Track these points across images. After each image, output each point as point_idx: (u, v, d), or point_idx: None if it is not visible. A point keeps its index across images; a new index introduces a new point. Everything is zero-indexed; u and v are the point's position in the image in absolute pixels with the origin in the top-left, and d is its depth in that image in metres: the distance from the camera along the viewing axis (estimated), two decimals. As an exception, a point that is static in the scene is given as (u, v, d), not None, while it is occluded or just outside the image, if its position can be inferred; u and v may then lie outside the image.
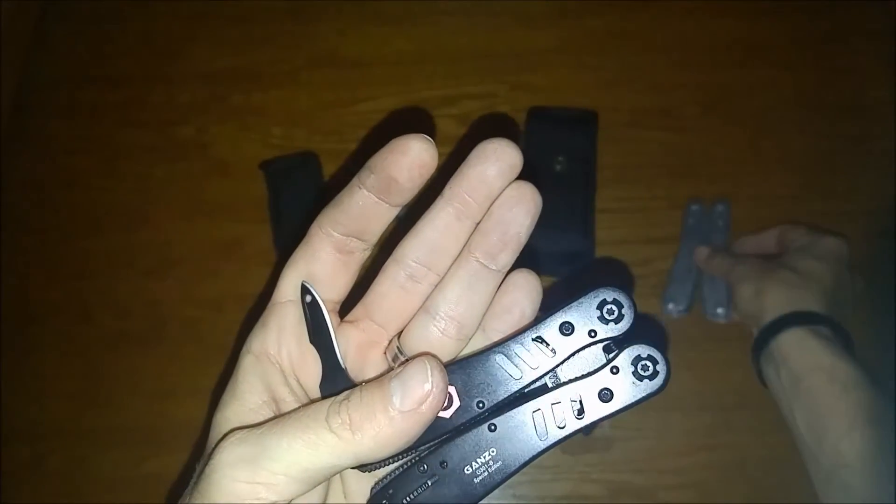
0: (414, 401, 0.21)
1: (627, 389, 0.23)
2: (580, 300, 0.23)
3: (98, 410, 0.59)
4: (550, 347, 0.23)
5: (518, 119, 0.63)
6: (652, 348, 0.23)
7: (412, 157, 0.23)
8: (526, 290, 0.26)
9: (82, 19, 0.71)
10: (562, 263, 0.59)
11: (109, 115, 0.67)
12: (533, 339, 0.23)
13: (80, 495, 0.57)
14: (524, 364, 0.23)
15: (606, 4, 0.67)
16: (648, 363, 0.23)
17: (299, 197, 0.61)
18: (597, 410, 0.23)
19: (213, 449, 0.22)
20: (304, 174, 0.62)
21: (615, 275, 0.58)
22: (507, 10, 0.68)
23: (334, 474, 0.22)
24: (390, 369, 0.26)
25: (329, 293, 0.26)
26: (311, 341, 0.25)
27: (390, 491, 0.23)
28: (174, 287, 0.61)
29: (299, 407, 0.23)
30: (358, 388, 0.22)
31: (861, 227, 0.59)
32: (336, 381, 0.24)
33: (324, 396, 0.24)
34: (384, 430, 0.21)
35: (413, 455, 0.23)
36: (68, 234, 0.63)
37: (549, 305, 0.24)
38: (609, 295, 0.23)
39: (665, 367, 0.23)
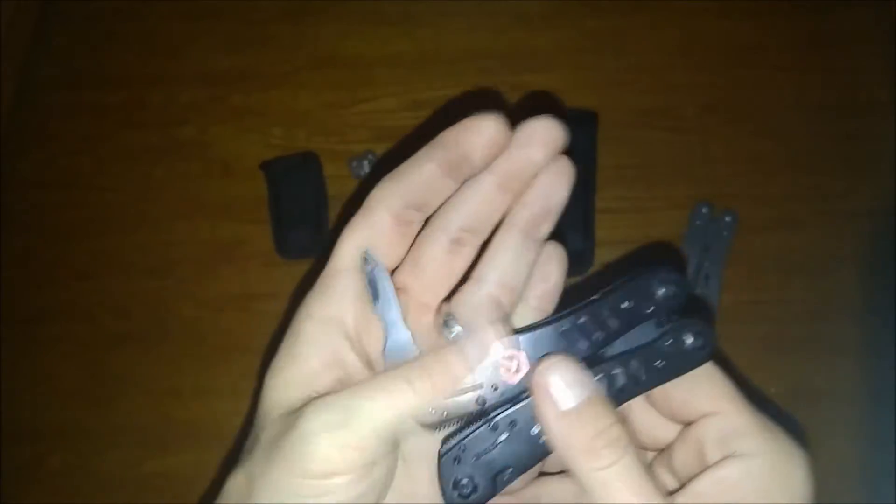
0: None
1: (679, 360, 0.25)
2: (638, 278, 0.25)
3: (99, 410, 0.59)
4: (610, 320, 0.25)
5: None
6: (701, 323, 0.25)
7: (487, 137, 0.24)
8: (557, 260, 0.28)
9: (82, 20, 0.71)
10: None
11: (110, 115, 0.67)
12: (595, 312, 0.25)
13: (82, 495, 0.57)
14: (586, 335, 0.25)
15: (606, 5, 0.67)
16: (700, 337, 0.25)
17: (300, 197, 0.61)
18: (651, 379, 0.25)
19: (297, 417, 0.22)
20: (304, 174, 0.62)
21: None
22: (507, 11, 0.68)
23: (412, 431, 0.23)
24: (441, 334, 0.27)
25: (385, 262, 0.26)
26: (375, 309, 0.26)
27: (462, 448, 0.24)
28: (175, 287, 0.61)
29: (375, 375, 0.24)
30: (433, 353, 0.24)
31: (861, 227, 0.59)
32: (401, 347, 0.25)
33: (388, 362, 0.25)
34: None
35: (483, 416, 0.25)
36: (69, 235, 0.64)
37: (602, 288, 0.26)
38: (665, 275, 0.25)
39: (712, 344, 0.25)
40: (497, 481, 0.24)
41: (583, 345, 0.25)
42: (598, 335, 0.25)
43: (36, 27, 0.71)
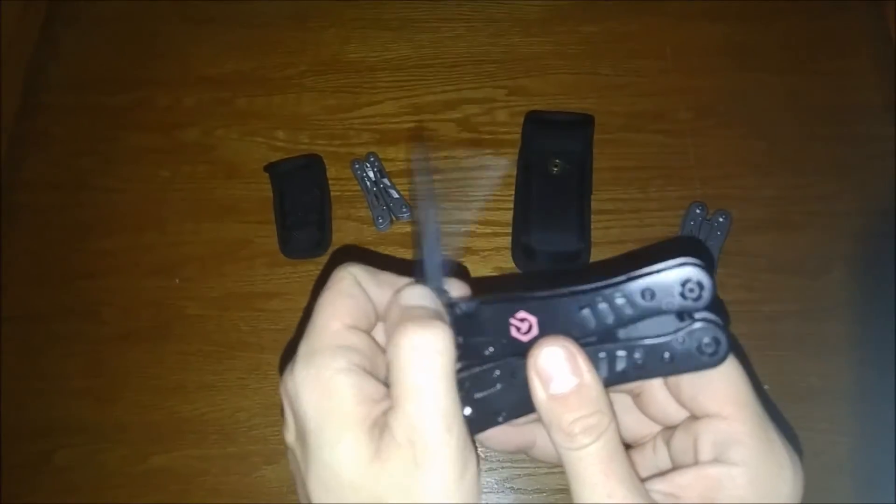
0: None
1: (687, 359, 0.25)
2: (667, 272, 0.25)
3: (105, 407, 0.60)
4: (629, 306, 0.25)
5: (516, 123, 0.64)
6: (720, 331, 0.25)
7: None
8: None
9: (88, 22, 0.72)
10: (558, 264, 0.60)
11: (115, 117, 0.68)
12: (615, 295, 0.25)
13: (88, 491, 0.58)
14: (601, 315, 0.25)
15: (602, 11, 0.68)
16: (713, 343, 0.25)
17: (304, 198, 0.62)
18: (655, 369, 0.25)
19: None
20: (308, 176, 0.63)
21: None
22: (506, 17, 0.69)
23: None
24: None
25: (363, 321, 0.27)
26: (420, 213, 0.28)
27: (466, 384, 0.26)
28: (180, 287, 0.62)
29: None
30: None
31: (853, 227, 0.60)
32: (433, 267, 0.27)
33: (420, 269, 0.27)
34: None
35: (490, 361, 0.26)
36: (76, 235, 0.64)
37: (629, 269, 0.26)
38: (694, 275, 0.25)
39: (725, 351, 0.25)
40: (489, 420, 0.26)
41: (595, 323, 0.25)
42: (612, 319, 0.25)
43: (42, 29, 0.72)
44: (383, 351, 0.27)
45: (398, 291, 0.26)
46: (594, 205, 0.61)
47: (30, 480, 0.59)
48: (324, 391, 0.24)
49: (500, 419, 0.26)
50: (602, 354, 0.25)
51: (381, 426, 0.24)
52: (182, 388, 0.60)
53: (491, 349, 0.26)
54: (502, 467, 0.56)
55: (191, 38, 0.70)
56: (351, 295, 0.26)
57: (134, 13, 0.72)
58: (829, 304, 0.58)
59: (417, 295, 0.26)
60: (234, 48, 0.69)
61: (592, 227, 0.60)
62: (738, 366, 0.26)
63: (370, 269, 0.27)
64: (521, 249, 0.60)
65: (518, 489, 0.55)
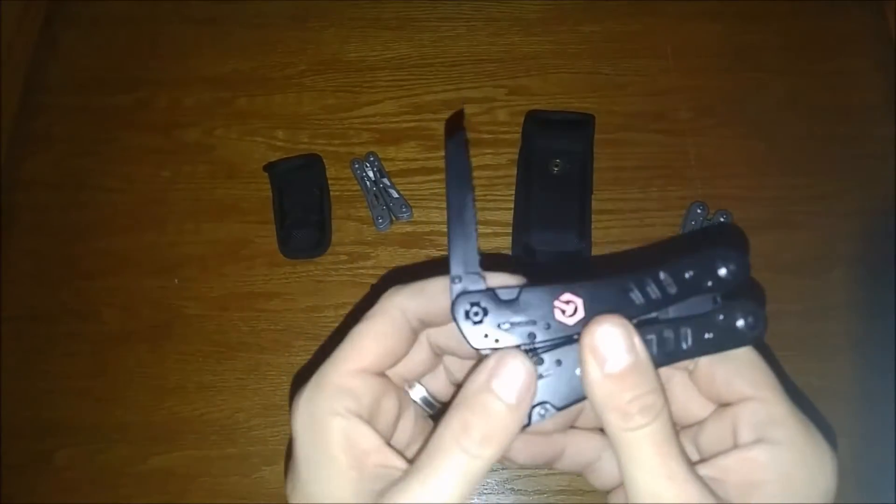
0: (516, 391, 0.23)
1: (727, 336, 0.26)
2: (705, 255, 0.26)
3: (105, 407, 0.60)
4: (672, 286, 0.26)
5: (516, 122, 0.64)
6: (757, 306, 0.26)
7: None
8: None
9: (88, 22, 0.72)
10: (558, 263, 0.60)
11: (116, 117, 0.68)
12: (659, 276, 0.26)
13: (88, 491, 0.58)
14: (646, 296, 0.26)
15: (602, 11, 0.68)
16: (751, 318, 0.26)
17: (303, 198, 0.62)
18: (699, 348, 0.26)
19: None
20: (307, 176, 0.63)
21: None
22: (506, 16, 0.69)
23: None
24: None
25: (390, 358, 0.27)
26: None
27: None
28: (180, 286, 0.62)
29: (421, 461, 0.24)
30: (464, 401, 0.24)
31: (853, 227, 0.60)
32: (469, 268, 0.26)
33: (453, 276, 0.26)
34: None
35: (532, 351, 0.26)
36: (77, 235, 0.64)
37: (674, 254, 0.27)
38: (730, 257, 0.26)
39: (762, 325, 0.26)
40: (533, 413, 0.25)
41: (640, 304, 0.26)
42: (656, 298, 0.26)
43: (42, 29, 0.72)
44: (397, 389, 0.27)
45: (487, 365, 0.24)
46: (594, 205, 0.61)
47: (30, 480, 0.59)
48: (315, 429, 0.24)
49: (543, 412, 0.25)
50: (650, 336, 0.25)
51: (371, 478, 0.23)
52: (182, 388, 0.60)
53: (534, 333, 0.25)
54: (503, 468, 0.56)
55: (191, 39, 0.70)
56: (385, 335, 0.26)
57: (134, 13, 0.72)
58: (830, 304, 0.58)
59: (509, 379, 0.24)
60: (234, 48, 0.69)
61: (593, 226, 0.60)
62: (760, 356, 0.27)
63: (417, 288, 0.27)
64: (521, 249, 0.60)
65: (518, 490, 0.55)
